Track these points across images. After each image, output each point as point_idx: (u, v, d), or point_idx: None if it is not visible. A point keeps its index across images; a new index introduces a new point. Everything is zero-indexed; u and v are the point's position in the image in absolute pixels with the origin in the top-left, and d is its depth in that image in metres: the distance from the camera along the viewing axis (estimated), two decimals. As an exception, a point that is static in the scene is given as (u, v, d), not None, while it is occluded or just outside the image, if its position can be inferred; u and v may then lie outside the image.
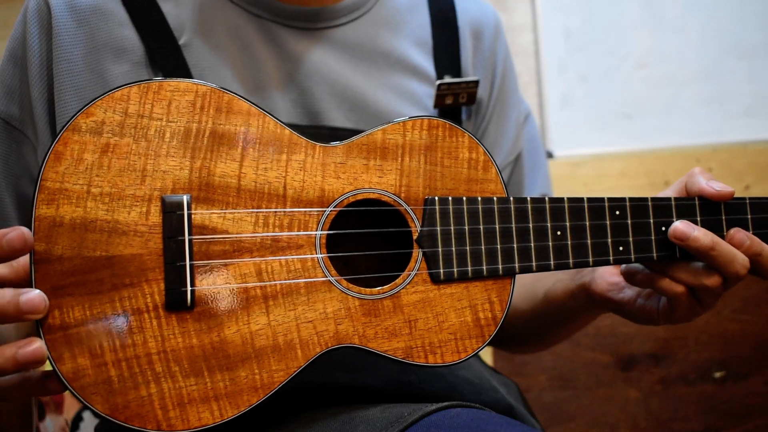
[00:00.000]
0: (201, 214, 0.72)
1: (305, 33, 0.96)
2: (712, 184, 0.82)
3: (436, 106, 1.00)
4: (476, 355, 1.09)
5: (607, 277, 0.90)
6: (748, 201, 0.85)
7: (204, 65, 0.91)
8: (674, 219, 0.83)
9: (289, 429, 0.78)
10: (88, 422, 1.47)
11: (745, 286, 1.72)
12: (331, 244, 0.77)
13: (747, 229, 0.84)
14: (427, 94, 1.00)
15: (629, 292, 0.88)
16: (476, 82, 1.02)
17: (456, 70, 1.04)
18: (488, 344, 0.78)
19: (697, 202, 0.84)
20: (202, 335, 0.70)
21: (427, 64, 1.03)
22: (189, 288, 0.70)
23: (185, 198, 0.71)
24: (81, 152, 0.70)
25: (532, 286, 1.03)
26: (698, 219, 0.83)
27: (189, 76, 0.90)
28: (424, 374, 0.90)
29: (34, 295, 0.65)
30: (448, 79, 1.01)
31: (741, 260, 0.80)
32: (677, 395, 1.79)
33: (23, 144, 0.91)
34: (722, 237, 0.83)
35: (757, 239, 0.82)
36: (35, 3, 0.90)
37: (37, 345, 0.65)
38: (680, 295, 0.82)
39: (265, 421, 0.81)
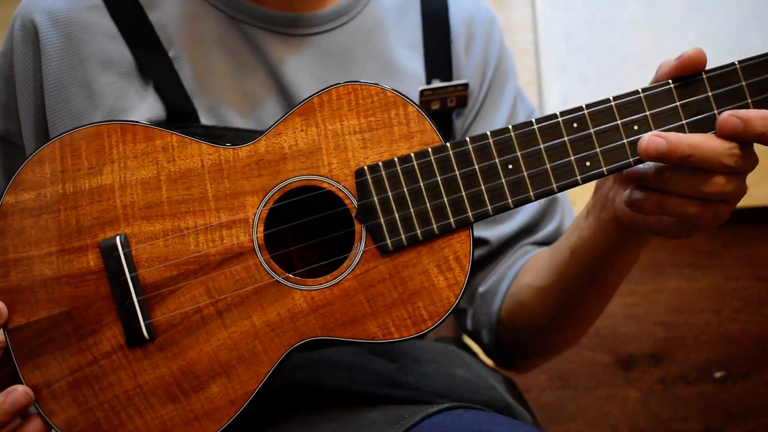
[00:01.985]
0: (140, 248, 0.73)
1: (293, 39, 0.93)
2: (674, 60, 0.70)
3: None
4: (475, 354, 1.03)
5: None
6: (738, 65, 0.72)
7: (194, 76, 0.91)
8: (646, 111, 0.72)
9: (288, 430, 0.78)
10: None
11: (745, 286, 1.74)
12: (275, 243, 0.76)
13: (744, 100, 0.71)
14: (417, 97, 0.96)
15: None
16: (465, 85, 0.97)
17: (447, 72, 0.99)
18: (461, 299, 0.73)
19: (672, 85, 0.72)
20: (169, 363, 0.73)
21: (418, 67, 0.98)
22: (143, 322, 0.72)
23: (118, 238, 0.73)
24: (21, 221, 0.73)
25: (552, 256, 0.91)
26: (677, 104, 0.72)
27: (180, 87, 0.90)
28: (421, 374, 0.87)
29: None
30: (433, 84, 0.97)
31: (726, 153, 0.68)
32: (677, 395, 1.74)
33: (16, 154, 0.93)
34: (715, 117, 0.71)
35: (756, 116, 0.68)
36: (21, 20, 0.91)
37: (20, 390, 0.70)
38: (698, 211, 0.71)
39: (266, 422, 0.82)
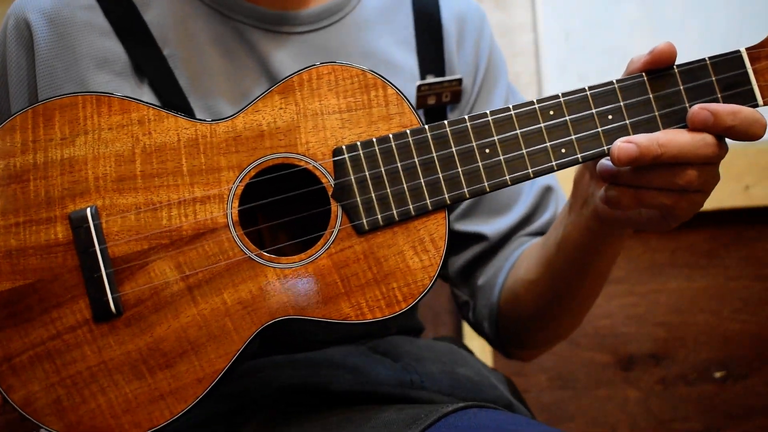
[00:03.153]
0: (110, 221, 0.72)
1: (287, 37, 0.94)
2: (645, 54, 0.72)
3: (418, 107, 0.96)
4: (473, 354, 1.03)
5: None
6: (708, 61, 0.74)
7: (189, 74, 0.90)
8: (620, 102, 0.73)
9: (302, 430, 0.77)
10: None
11: (745, 286, 1.76)
12: (249, 220, 0.75)
13: (713, 95, 0.73)
14: (412, 93, 0.96)
15: None
16: (459, 80, 0.98)
17: (440, 67, 1.00)
18: (435, 280, 0.73)
19: (645, 78, 0.74)
20: (136, 339, 0.71)
21: (411, 63, 0.99)
22: (111, 296, 0.70)
23: (88, 210, 0.71)
24: None
25: (541, 250, 0.93)
26: (650, 96, 0.73)
27: (175, 85, 0.89)
28: (425, 373, 0.87)
29: None
30: (428, 80, 0.97)
31: (701, 145, 0.69)
32: (677, 395, 1.76)
33: None
34: (686, 110, 0.73)
35: (724, 110, 0.69)
36: (14, 19, 0.90)
37: None
38: (675, 200, 0.72)
39: (279, 423, 0.81)
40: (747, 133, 0.71)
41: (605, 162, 0.75)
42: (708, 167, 0.72)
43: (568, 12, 1.80)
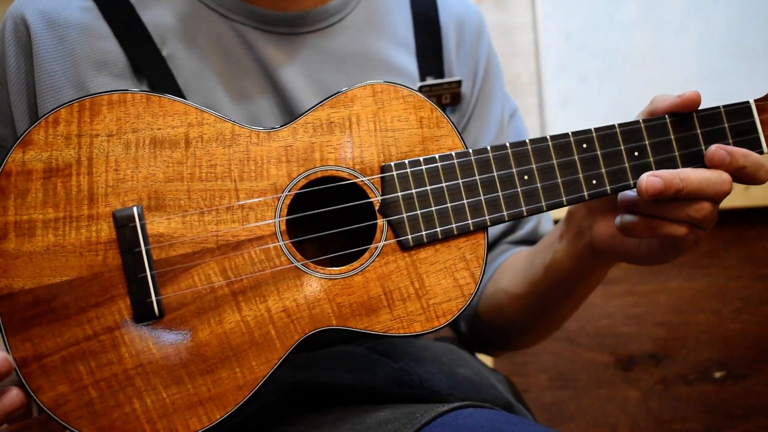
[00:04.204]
0: (155, 222, 0.71)
1: (286, 38, 0.94)
2: (677, 95, 0.78)
3: None
4: (473, 354, 1.07)
5: (607, 229, 0.86)
6: (723, 109, 0.81)
7: (188, 75, 0.90)
8: (646, 141, 0.79)
9: (297, 430, 0.77)
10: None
11: (745, 286, 1.76)
12: (294, 229, 0.76)
13: (726, 139, 0.80)
14: None
15: (632, 239, 0.84)
16: (459, 82, 1.01)
17: (439, 69, 1.02)
18: (473, 298, 0.75)
19: (668, 120, 0.80)
20: (176, 343, 0.70)
21: (411, 65, 1.01)
22: (155, 298, 0.69)
23: (135, 209, 0.70)
24: (25, 182, 0.69)
25: (527, 267, 0.98)
26: (672, 137, 0.80)
27: (175, 86, 0.89)
28: (425, 373, 0.89)
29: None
30: (429, 81, 1.00)
31: (718, 182, 0.76)
32: (677, 395, 1.76)
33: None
34: (701, 152, 0.79)
35: (738, 151, 0.77)
36: (12, 21, 0.89)
37: (14, 392, 0.66)
38: (685, 233, 0.78)
39: (275, 423, 0.80)
40: (755, 176, 0.78)
41: (626, 192, 0.81)
42: (715, 204, 0.78)
43: (568, 12, 1.79)
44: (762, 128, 0.81)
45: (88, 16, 0.89)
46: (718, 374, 1.75)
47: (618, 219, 0.82)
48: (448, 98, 1.01)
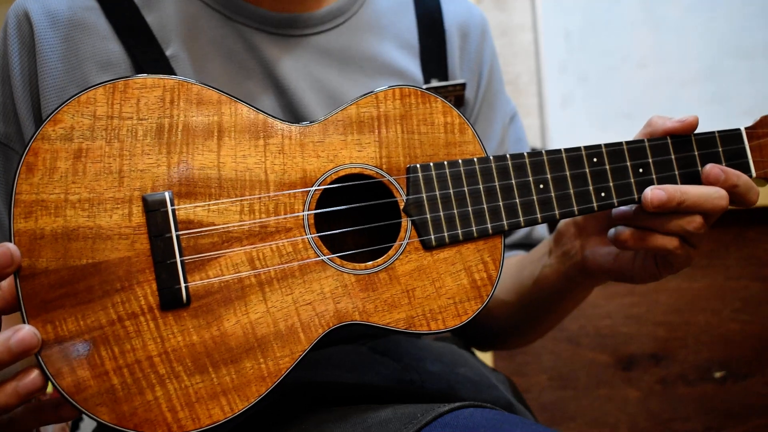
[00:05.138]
0: (185, 209, 0.70)
1: (290, 40, 0.95)
2: (675, 119, 0.83)
3: None
4: (474, 354, 1.10)
5: (599, 249, 0.90)
6: (717, 134, 0.87)
7: (191, 75, 0.90)
8: (650, 159, 0.84)
9: (298, 429, 0.77)
10: (88, 421, 1.45)
11: (745, 286, 1.77)
12: (318, 223, 0.76)
13: (719, 162, 0.86)
14: None
15: (625, 255, 0.88)
16: (463, 85, 1.03)
17: (443, 72, 1.04)
18: (490, 299, 0.77)
19: (669, 141, 0.85)
20: (201, 331, 0.69)
21: (414, 68, 1.02)
22: (183, 284, 0.68)
23: (167, 194, 0.69)
24: (53, 161, 0.67)
25: (516, 276, 1.02)
26: (672, 157, 0.85)
27: None
28: (425, 373, 0.90)
29: (23, 334, 0.62)
30: (434, 83, 1.01)
31: (715, 197, 0.81)
32: (677, 395, 1.76)
33: (12, 159, 0.90)
34: (698, 172, 0.84)
35: (732, 171, 0.82)
36: (15, 17, 0.88)
37: (34, 374, 0.64)
38: (676, 246, 0.82)
39: (275, 423, 0.80)
40: (745, 196, 0.84)
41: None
42: (708, 221, 0.83)
43: (568, 12, 1.79)
44: (751, 154, 0.87)
45: (92, 16, 0.89)
46: (718, 374, 1.76)
47: (611, 231, 0.86)
48: (452, 100, 1.03)
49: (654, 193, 0.80)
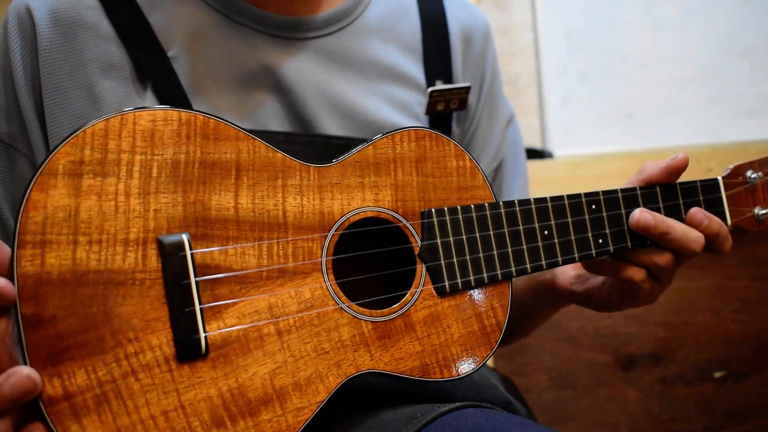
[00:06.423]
0: (201, 253, 0.66)
1: (293, 43, 0.93)
2: (665, 162, 0.87)
3: (427, 112, 0.99)
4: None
5: (569, 270, 0.93)
6: (699, 183, 0.91)
7: (193, 77, 0.87)
8: (641, 206, 0.87)
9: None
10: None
11: (745, 286, 1.78)
12: (334, 264, 0.74)
13: None
14: (417, 101, 0.99)
15: (593, 282, 0.91)
16: (468, 88, 1.02)
17: (447, 75, 1.03)
18: (499, 345, 0.78)
19: (658, 190, 0.88)
20: (219, 383, 0.65)
21: (417, 71, 1.01)
22: (203, 334, 0.64)
23: (185, 237, 0.65)
24: (60, 198, 0.62)
25: None
26: (660, 205, 0.88)
27: (179, 88, 0.86)
28: None
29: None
30: (439, 86, 1.00)
31: (695, 238, 0.84)
32: (677, 395, 1.77)
33: (17, 160, 0.85)
34: (682, 220, 0.88)
35: (715, 219, 0.86)
36: (16, 14, 0.85)
37: (22, 375, 0.57)
38: (642, 279, 0.86)
39: None
40: (722, 246, 0.88)
41: None
42: (677, 260, 0.87)
43: (568, 12, 1.79)
44: (727, 203, 0.92)
45: (94, 17, 0.86)
46: (718, 374, 1.75)
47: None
48: (456, 103, 1.02)
49: (642, 215, 0.84)
